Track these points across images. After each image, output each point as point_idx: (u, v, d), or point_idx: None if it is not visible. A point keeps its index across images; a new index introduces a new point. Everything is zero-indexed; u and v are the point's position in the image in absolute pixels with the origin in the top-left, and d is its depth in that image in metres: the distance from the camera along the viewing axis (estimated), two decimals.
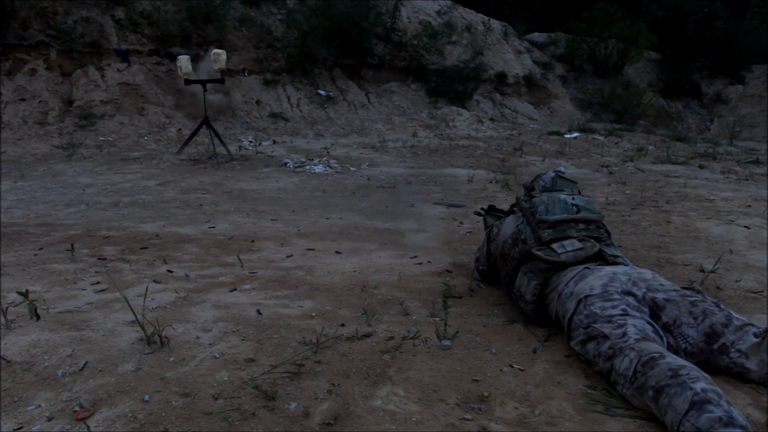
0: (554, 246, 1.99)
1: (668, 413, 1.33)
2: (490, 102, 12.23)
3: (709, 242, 3.20)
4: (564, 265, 1.95)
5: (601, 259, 1.99)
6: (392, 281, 2.50)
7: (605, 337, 1.61)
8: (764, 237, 3.31)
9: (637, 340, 1.54)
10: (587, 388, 1.56)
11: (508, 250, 2.16)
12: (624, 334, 1.58)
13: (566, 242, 1.99)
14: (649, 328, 1.62)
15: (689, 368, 1.38)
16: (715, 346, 1.62)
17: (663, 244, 3.14)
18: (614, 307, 1.68)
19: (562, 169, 2.45)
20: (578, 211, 2.10)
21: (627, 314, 1.65)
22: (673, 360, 1.42)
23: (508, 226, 2.24)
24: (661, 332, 1.66)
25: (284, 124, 9.13)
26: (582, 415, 1.43)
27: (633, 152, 7.74)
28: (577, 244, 1.98)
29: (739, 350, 1.58)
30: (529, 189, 2.40)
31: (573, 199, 2.15)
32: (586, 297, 1.77)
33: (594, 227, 2.09)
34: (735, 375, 1.60)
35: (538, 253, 1.99)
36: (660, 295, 1.75)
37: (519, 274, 2.07)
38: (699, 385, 1.31)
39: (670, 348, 1.67)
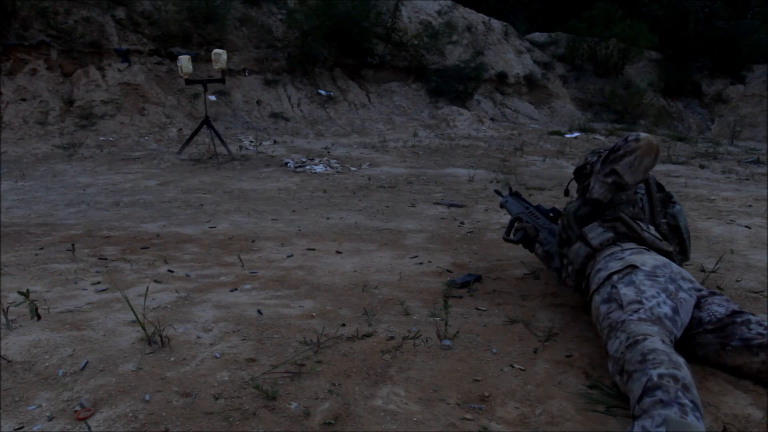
0: (641, 224, 2.02)
1: (631, 399, 1.35)
2: (490, 102, 12.23)
3: (709, 242, 3.20)
4: (641, 242, 1.96)
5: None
6: (393, 281, 2.50)
7: (620, 306, 1.62)
8: (765, 237, 3.30)
9: (639, 319, 1.54)
10: (588, 388, 1.56)
11: (619, 201, 2.07)
12: (635, 311, 1.57)
13: (651, 229, 2.03)
14: (666, 314, 1.58)
15: (659, 353, 1.37)
16: (739, 320, 1.63)
17: None
18: (652, 286, 1.68)
19: None
20: (688, 238, 2.18)
21: (657, 296, 1.64)
22: (651, 343, 1.41)
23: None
24: (676, 330, 1.60)
25: (285, 123, 9.14)
26: (582, 415, 1.43)
27: None
28: (659, 235, 2.02)
29: (760, 323, 1.59)
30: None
31: (687, 226, 2.22)
32: (636, 267, 1.76)
33: (682, 259, 2.16)
34: (743, 348, 1.58)
35: (627, 218, 1.99)
36: (705, 291, 1.78)
37: (594, 223, 2.05)
38: (657, 371, 1.31)
39: (692, 319, 1.68)
